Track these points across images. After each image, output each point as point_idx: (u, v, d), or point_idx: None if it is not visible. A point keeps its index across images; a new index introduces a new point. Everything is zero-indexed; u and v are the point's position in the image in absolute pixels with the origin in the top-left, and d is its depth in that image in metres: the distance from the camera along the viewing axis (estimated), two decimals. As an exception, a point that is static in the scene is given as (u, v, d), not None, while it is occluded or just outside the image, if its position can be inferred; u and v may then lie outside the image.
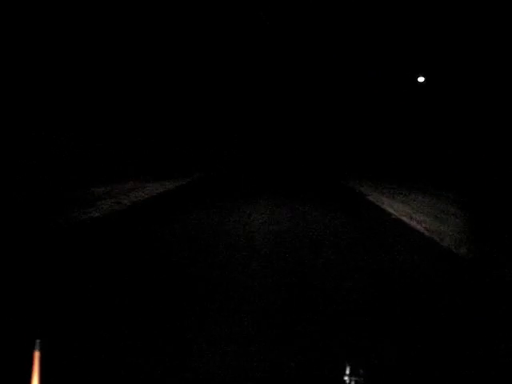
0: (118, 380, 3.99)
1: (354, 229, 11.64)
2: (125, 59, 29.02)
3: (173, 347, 4.63)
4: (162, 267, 7.41)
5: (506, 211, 15.43)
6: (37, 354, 3.11)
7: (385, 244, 10.11)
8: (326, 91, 43.10)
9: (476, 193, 19.13)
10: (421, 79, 34.59)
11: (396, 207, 15.95)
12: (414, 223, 12.82)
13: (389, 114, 40.96)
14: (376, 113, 41.95)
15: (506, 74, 27.28)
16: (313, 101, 43.19)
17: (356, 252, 9.18)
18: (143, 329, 5.04)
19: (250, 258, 8.24)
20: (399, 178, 27.96)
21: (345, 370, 3.56)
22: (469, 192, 19.28)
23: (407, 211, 15.00)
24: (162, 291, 6.29)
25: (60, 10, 23.61)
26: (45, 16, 23.08)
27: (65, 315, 5.18)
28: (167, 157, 35.13)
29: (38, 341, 3.10)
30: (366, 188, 21.85)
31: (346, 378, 3.58)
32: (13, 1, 21.86)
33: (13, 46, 21.67)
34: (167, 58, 33.30)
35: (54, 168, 22.00)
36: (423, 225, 12.61)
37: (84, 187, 18.82)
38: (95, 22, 26.15)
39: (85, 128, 26.41)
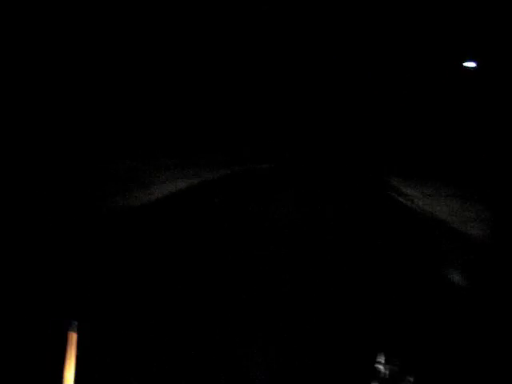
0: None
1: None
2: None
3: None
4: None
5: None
6: (73, 336, 3.18)
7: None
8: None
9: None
10: (470, 64, 27.98)
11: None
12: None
13: (425, 112, 36.62)
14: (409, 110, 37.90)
15: None
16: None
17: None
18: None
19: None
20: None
21: (378, 357, 3.54)
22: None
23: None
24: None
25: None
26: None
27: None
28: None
29: (75, 322, 3.18)
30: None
31: (379, 366, 3.57)
32: None
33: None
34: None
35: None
36: None
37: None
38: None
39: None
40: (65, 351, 3.23)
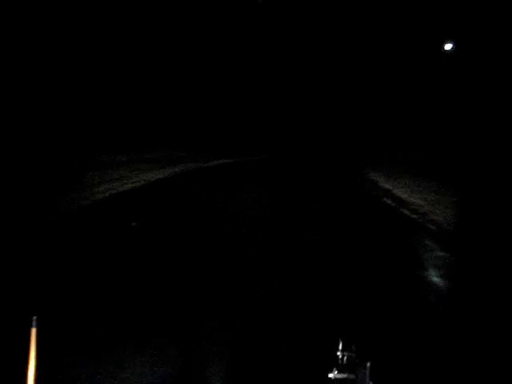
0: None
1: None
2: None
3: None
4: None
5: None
6: (33, 331, 3.19)
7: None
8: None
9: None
10: (448, 46, 26.92)
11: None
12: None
13: (404, 95, 35.06)
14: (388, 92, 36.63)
15: None
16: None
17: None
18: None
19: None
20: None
21: (338, 345, 3.62)
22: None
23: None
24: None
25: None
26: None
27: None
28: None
29: (34, 317, 3.19)
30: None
31: (338, 354, 3.65)
32: None
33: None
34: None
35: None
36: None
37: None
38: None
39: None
40: (26, 347, 3.24)
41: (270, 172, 20.54)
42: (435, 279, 7.04)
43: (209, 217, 10.48)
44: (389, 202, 13.31)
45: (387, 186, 15.82)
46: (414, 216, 11.28)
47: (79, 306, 5.07)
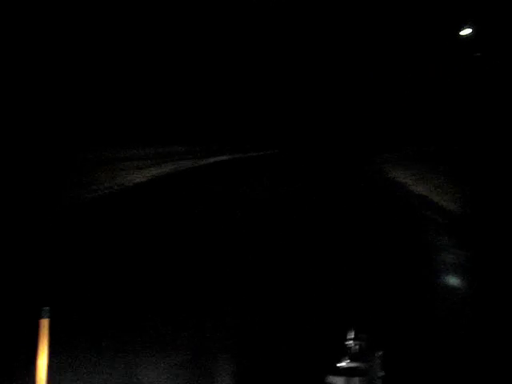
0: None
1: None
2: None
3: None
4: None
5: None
6: (45, 322, 3.20)
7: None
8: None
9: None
10: (466, 31, 26.35)
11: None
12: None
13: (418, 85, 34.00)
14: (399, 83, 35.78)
15: None
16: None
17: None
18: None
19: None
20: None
21: (348, 334, 3.63)
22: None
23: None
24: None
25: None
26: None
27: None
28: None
29: (46, 308, 3.19)
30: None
31: (349, 343, 3.66)
32: None
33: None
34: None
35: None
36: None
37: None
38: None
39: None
40: (38, 337, 3.25)
41: (281, 166, 20.42)
42: (444, 269, 7.05)
43: (217, 211, 10.48)
44: (396, 190, 13.41)
45: (395, 174, 15.88)
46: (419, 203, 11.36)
47: (90, 301, 5.07)
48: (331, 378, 3.72)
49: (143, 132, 26.19)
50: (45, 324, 3.21)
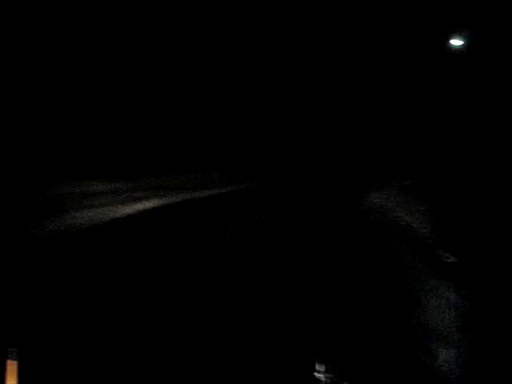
0: None
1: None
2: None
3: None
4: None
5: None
6: (13, 364, 3.17)
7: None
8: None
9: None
10: (456, 42, 25.20)
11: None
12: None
13: (407, 96, 32.77)
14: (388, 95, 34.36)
15: None
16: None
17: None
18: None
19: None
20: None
21: (314, 366, 3.66)
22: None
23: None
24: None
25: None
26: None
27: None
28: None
29: (14, 350, 3.16)
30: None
31: (316, 374, 3.69)
32: None
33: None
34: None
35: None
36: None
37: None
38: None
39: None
40: (4, 380, 3.21)
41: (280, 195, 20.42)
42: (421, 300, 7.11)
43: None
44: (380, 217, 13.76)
45: (379, 201, 16.38)
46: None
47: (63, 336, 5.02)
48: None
49: (133, 161, 25.42)
50: (13, 366, 3.18)
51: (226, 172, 26.84)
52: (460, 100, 26.99)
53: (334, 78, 35.90)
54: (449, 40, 25.15)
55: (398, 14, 31.81)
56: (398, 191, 19.75)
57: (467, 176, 19.76)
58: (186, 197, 17.05)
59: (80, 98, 25.38)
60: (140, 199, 15.71)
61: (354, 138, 34.86)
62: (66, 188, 17.07)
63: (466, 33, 24.32)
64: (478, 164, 21.58)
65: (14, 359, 3.17)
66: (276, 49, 35.56)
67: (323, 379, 3.70)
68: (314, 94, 36.60)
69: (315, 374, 3.75)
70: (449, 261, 8.41)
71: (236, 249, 9.65)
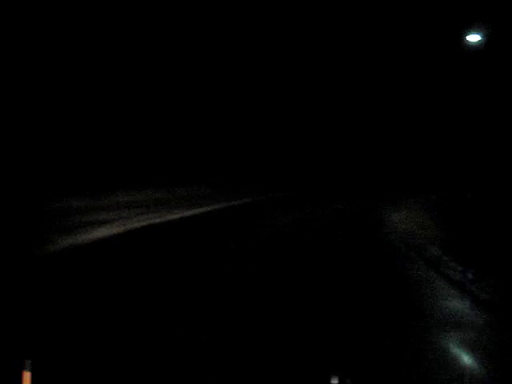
0: None
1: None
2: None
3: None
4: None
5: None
6: (27, 375, 3.17)
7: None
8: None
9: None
10: (473, 38, 23.12)
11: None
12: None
13: (419, 95, 31.48)
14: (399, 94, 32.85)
15: None
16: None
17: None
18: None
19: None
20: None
21: (329, 380, 3.63)
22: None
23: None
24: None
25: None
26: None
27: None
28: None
29: (28, 361, 3.17)
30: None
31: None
32: None
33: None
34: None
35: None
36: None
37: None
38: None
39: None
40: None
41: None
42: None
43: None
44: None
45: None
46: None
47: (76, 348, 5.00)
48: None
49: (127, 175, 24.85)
50: (27, 377, 3.18)
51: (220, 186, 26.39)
52: (477, 102, 25.97)
53: (350, 87, 35.45)
54: (465, 36, 23.82)
55: (413, 11, 31.20)
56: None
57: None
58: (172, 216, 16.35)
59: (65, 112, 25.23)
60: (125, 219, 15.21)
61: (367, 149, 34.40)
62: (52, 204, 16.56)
63: (484, 28, 21.67)
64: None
65: (28, 370, 3.18)
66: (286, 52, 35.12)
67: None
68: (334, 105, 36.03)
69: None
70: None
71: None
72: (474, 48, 22.36)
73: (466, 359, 5.31)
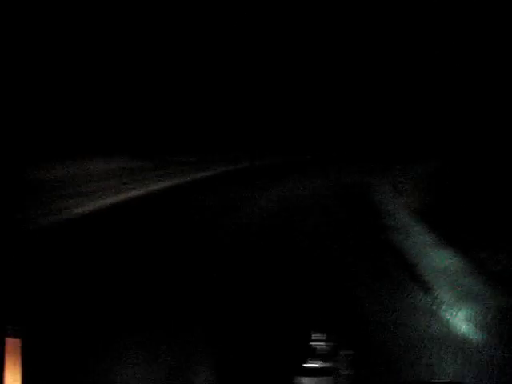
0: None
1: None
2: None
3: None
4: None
5: None
6: (17, 342, 3.13)
7: None
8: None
9: None
10: None
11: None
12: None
13: None
14: None
15: None
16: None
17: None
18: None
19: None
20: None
21: (312, 335, 3.73)
22: None
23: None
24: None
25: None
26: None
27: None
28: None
29: (16, 328, 3.13)
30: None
31: (314, 343, 3.76)
32: None
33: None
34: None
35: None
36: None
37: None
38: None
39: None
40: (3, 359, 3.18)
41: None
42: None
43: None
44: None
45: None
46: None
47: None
48: (299, 379, 3.80)
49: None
50: (17, 344, 3.15)
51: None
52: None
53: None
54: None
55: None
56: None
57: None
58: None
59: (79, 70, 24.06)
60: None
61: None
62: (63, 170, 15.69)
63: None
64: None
65: (18, 337, 3.15)
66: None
67: (320, 348, 3.77)
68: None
69: (312, 343, 3.81)
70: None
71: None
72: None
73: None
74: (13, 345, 3.16)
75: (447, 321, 5.47)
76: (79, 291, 6.00)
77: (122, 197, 13.06)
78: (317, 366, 3.70)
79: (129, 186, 14.40)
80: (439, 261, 7.89)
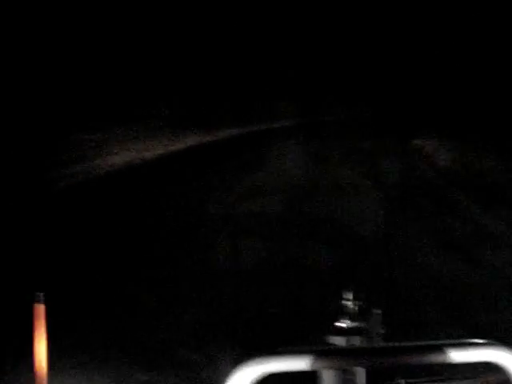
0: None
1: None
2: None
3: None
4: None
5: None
6: (41, 307, 3.14)
7: None
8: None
9: None
10: None
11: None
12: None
13: None
14: None
15: None
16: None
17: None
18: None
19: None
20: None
21: (343, 294, 3.65)
22: None
23: None
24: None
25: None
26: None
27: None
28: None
29: (40, 294, 3.13)
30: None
31: (346, 302, 3.67)
32: None
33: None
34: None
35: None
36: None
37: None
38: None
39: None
40: (33, 324, 3.19)
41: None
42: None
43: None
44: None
45: None
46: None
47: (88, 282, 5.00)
48: (331, 339, 3.73)
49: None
50: (40, 310, 3.16)
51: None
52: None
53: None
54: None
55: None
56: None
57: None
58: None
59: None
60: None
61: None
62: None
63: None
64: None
65: (41, 303, 3.16)
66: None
67: (351, 307, 3.69)
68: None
69: (342, 302, 3.73)
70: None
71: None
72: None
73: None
74: (38, 310, 3.17)
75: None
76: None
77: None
78: (348, 325, 3.64)
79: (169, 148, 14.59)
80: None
